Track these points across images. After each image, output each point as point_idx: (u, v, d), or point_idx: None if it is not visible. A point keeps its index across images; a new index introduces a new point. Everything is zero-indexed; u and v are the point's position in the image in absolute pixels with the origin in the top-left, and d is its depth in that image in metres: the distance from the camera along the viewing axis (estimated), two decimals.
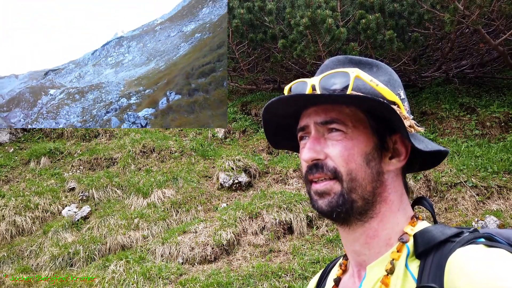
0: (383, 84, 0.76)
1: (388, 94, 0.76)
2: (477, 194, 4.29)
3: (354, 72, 0.74)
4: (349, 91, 0.73)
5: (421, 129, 0.81)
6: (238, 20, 6.33)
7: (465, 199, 4.28)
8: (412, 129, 0.78)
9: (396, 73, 0.84)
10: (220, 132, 6.81)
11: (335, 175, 0.74)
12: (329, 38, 5.29)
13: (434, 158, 0.84)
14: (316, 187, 0.76)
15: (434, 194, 4.50)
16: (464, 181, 4.42)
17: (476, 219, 4.03)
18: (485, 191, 4.31)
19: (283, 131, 0.90)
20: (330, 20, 5.15)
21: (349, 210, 0.74)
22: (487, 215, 4.02)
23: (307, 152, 0.75)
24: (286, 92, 0.84)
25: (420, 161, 0.84)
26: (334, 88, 0.76)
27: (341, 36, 5.22)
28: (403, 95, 0.80)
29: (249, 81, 7.39)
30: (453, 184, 4.45)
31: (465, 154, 4.85)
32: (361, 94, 0.73)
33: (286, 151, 5.70)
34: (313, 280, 1.00)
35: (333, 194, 0.75)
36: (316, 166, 0.75)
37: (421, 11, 5.39)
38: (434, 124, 5.70)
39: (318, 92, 0.76)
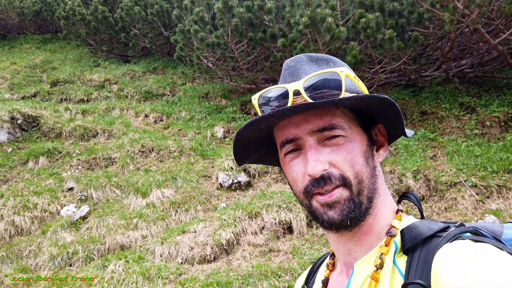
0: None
1: (364, 88, 0.77)
2: (477, 194, 4.29)
3: (343, 72, 0.72)
4: (343, 93, 0.71)
5: None
6: (237, 19, 6.32)
7: (464, 198, 4.28)
8: None
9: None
10: (219, 132, 6.80)
11: (343, 181, 0.72)
12: (328, 37, 5.28)
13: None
14: (325, 199, 0.73)
15: (434, 194, 4.49)
16: (464, 181, 4.41)
17: (476, 219, 4.03)
18: (485, 190, 4.30)
19: (252, 146, 0.83)
20: (329, 19, 5.14)
21: (359, 213, 0.73)
22: (487, 215, 4.02)
23: (314, 166, 0.71)
24: (256, 101, 0.78)
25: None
26: (325, 90, 0.72)
27: (340, 35, 5.21)
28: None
29: (248, 81, 7.37)
30: (452, 183, 4.44)
31: (465, 154, 4.85)
32: (354, 96, 0.70)
33: None
34: (301, 278, 1.00)
35: (343, 201, 0.72)
36: (323, 178, 0.72)
37: (421, 10, 5.39)
38: (434, 124, 5.69)
39: (304, 96, 0.72)
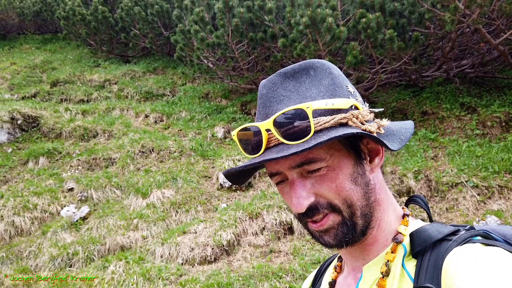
0: (334, 99, 0.72)
1: (345, 103, 0.72)
2: (478, 194, 4.28)
3: (309, 107, 0.69)
4: (312, 131, 0.68)
5: (387, 123, 0.80)
6: (237, 19, 6.31)
7: (466, 199, 4.27)
8: (380, 128, 0.76)
9: (335, 66, 0.80)
10: (220, 132, 6.79)
11: (332, 209, 0.72)
12: (329, 37, 5.27)
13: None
14: (317, 227, 0.74)
15: (435, 194, 4.48)
16: (465, 181, 4.40)
17: (477, 219, 4.01)
18: (486, 191, 4.29)
19: (243, 175, 0.85)
20: (330, 19, 5.13)
21: (354, 234, 0.73)
22: (488, 215, 4.01)
23: (298, 204, 0.71)
24: (235, 135, 0.77)
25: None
26: (297, 124, 0.69)
27: (341, 35, 5.20)
28: (351, 88, 0.77)
29: (248, 81, 7.36)
30: (454, 184, 4.43)
31: (466, 154, 4.83)
32: (324, 139, 0.66)
33: None
34: (308, 280, 1.00)
35: (336, 225, 0.73)
36: (311, 209, 0.72)
37: (421, 10, 5.38)
38: (435, 124, 5.68)
39: (275, 135, 0.70)
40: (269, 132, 0.72)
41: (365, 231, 0.74)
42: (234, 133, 0.77)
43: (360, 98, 0.78)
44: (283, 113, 0.70)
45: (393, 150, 0.73)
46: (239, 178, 0.84)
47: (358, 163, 0.74)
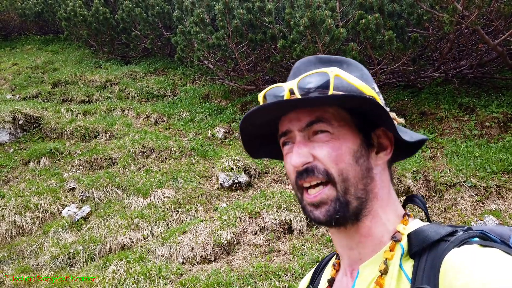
0: (359, 80, 0.76)
1: (366, 89, 0.76)
2: (476, 194, 4.30)
3: (333, 71, 0.73)
4: (330, 91, 0.72)
5: (401, 120, 0.82)
6: (237, 20, 6.34)
7: (464, 199, 4.29)
8: (395, 121, 0.78)
9: (366, 69, 0.84)
10: (220, 132, 6.82)
11: (328, 177, 0.73)
12: (328, 39, 5.30)
13: (414, 147, 0.85)
14: (311, 199, 0.75)
15: (433, 194, 4.51)
16: (463, 181, 4.43)
17: (475, 219, 4.04)
18: (484, 191, 4.32)
19: (262, 139, 0.88)
20: (329, 20, 5.16)
21: (346, 213, 0.74)
22: (486, 215, 4.03)
23: (296, 158, 0.74)
24: (260, 99, 0.82)
25: (403, 151, 0.86)
26: (314, 89, 0.74)
27: (340, 37, 5.23)
28: (377, 89, 0.81)
29: (248, 81, 7.40)
30: (452, 184, 4.46)
31: (464, 154, 4.86)
32: (345, 93, 0.72)
33: None
34: (305, 278, 1.00)
35: (329, 201, 0.73)
36: (306, 170, 0.74)
37: (420, 12, 5.40)
38: (433, 124, 5.71)
39: (297, 95, 0.74)
40: (292, 95, 0.76)
41: (358, 215, 0.74)
42: (261, 95, 0.82)
43: (383, 101, 0.81)
44: (308, 75, 0.75)
45: (404, 141, 0.76)
46: (253, 143, 0.88)
47: (364, 146, 0.76)
